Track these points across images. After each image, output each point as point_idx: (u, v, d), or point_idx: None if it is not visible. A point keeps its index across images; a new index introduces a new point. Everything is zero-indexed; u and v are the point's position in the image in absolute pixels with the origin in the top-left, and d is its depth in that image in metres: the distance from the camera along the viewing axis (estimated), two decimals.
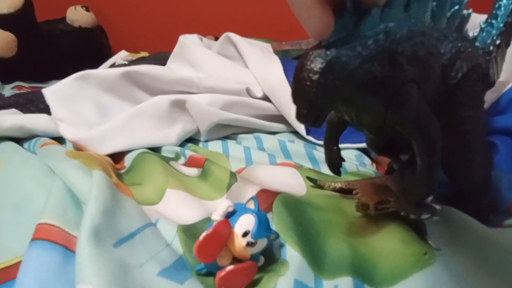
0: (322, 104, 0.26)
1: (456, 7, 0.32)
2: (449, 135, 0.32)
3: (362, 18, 0.26)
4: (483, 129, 0.34)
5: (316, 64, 0.25)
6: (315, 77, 0.25)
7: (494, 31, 0.38)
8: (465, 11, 0.33)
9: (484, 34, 0.38)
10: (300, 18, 0.23)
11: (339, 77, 0.26)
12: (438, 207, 0.34)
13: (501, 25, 0.38)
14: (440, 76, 0.32)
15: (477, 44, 0.37)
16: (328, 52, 0.25)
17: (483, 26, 0.38)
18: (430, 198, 0.35)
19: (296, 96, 0.27)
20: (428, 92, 0.31)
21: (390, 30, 0.27)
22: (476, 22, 0.38)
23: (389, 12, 0.27)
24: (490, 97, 0.55)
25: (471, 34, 0.37)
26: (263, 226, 0.30)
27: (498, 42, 0.38)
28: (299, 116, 0.27)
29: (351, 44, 0.26)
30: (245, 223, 0.30)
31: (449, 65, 0.32)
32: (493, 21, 0.38)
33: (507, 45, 0.40)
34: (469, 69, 0.32)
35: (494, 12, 0.38)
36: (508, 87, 0.52)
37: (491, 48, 0.38)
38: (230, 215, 0.31)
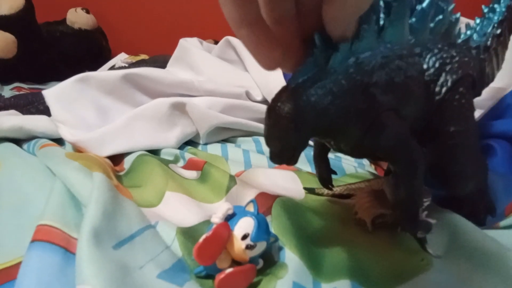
0: (295, 144, 0.27)
1: (440, 16, 0.31)
2: (438, 150, 0.33)
3: (332, 54, 0.25)
4: (474, 140, 0.33)
5: (285, 108, 0.25)
6: (285, 121, 0.25)
7: (496, 17, 0.37)
8: (452, 16, 0.32)
9: (484, 23, 0.38)
10: (250, 53, 0.23)
11: (310, 117, 0.26)
12: (433, 221, 0.34)
13: (504, 9, 0.37)
14: (424, 94, 0.31)
15: (471, 43, 0.36)
16: (297, 94, 0.25)
17: (485, 11, 0.37)
18: (425, 213, 0.35)
19: (269, 140, 0.27)
20: (410, 114, 0.31)
21: (362, 62, 0.27)
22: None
23: (359, 44, 0.26)
24: (488, 103, 0.56)
25: (465, 33, 0.36)
26: (262, 229, 0.31)
27: (498, 31, 0.37)
28: (273, 158, 0.28)
29: (321, 82, 0.26)
30: (245, 226, 0.30)
31: (433, 81, 0.31)
32: (496, 6, 0.38)
33: (511, 30, 0.39)
34: (454, 82, 0.32)
35: None
36: (506, 92, 0.52)
37: (489, 42, 0.37)
38: (229, 218, 0.31)
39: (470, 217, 0.36)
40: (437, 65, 0.31)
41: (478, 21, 0.39)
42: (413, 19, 0.29)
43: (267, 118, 0.27)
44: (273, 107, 0.26)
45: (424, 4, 0.29)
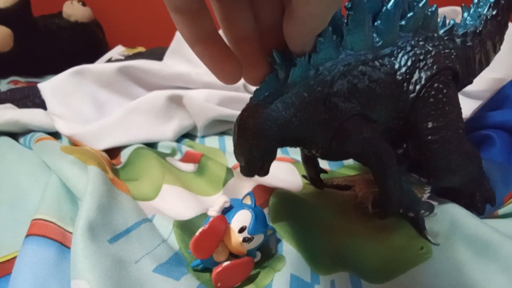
0: (261, 157, 0.28)
1: (411, 13, 0.30)
2: (419, 146, 0.33)
3: (291, 68, 0.26)
4: (456, 133, 0.33)
5: (248, 125, 0.26)
6: (249, 137, 0.26)
7: None
8: (428, 10, 0.32)
9: (480, 3, 0.37)
10: (207, 68, 0.23)
11: (273, 131, 0.27)
12: (435, 203, 0.34)
13: None
14: (396, 94, 0.31)
15: (458, 31, 0.35)
16: (258, 111, 0.26)
17: None
18: (427, 195, 0.35)
19: (236, 155, 0.28)
20: (380, 116, 0.31)
21: (321, 73, 0.27)
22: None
23: (317, 57, 0.27)
24: (487, 94, 0.56)
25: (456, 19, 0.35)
26: (259, 221, 0.30)
27: (495, 12, 0.37)
28: (243, 171, 0.29)
29: (282, 97, 0.26)
30: (242, 218, 0.30)
31: (406, 80, 0.31)
32: None
33: (509, 8, 0.38)
34: (428, 79, 0.31)
35: None
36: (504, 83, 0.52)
37: (481, 27, 0.36)
38: (226, 211, 0.31)
39: (468, 207, 0.36)
40: (409, 63, 0.31)
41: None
42: (379, 21, 0.29)
43: (233, 134, 0.28)
44: (237, 125, 0.27)
45: (389, 5, 0.29)
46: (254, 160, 0.27)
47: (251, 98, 0.27)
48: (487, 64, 0.39)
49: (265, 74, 0.26)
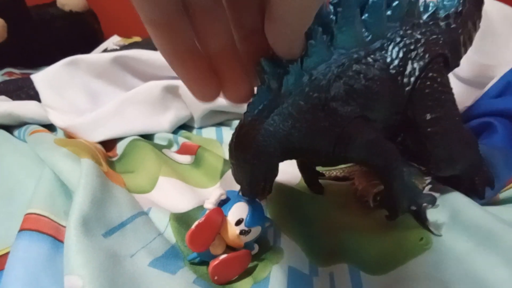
0: (263, 177, 0.26)
1: (396, 1, 0.29)
2: (419, 138, 0.32)
3: (283, 77, 0.24)
4: (454, 122, 0.32)
5: (246, 144, 0.25)
6: (248, 158, 0.25)
7: None
8: None
9: None
10: (183, 83, 0.21)
11: (273, 148, 0.25)
12: (437, 195, 0.34)
13: None
14: (391, 89, 0.30)
15: (440, 15, 0.33)
16: (255, 128, 0.24)
17: None
18: (429, 186, 0.34)
19: (236, 177, 0.27)
20: (380, 114, 0.30)
21: (316, 78, 0.25)
22: None
23: (309, 60, 0.25)
24: (477, 80, 0.55)
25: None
26: (257, 214, 0.30)
27: None
28: (244, 193, 0.28)
29: (278, 109, 0.25)
30: (239, 211, 0.30)
31: (399, 73, 0.30)
32: None
33: None
34: (422, 69, 0.30)
35: None
36: (503, 70, 0.51)
37: (460, 6, 0.34)
38: (223, 203, 0.30)
39: (468, 192, 0.35)
40: (401, 54, 0.30)
41: None
42: (366, 15, 0.27)
43: (230, 155, 0.26)
44: (233, 145, 0.26)
45: None
46: (256, 181, 0.26)
47: (245, 114, 0.25)
48: (470, 43, 0.37)
49: (249, 90, 0.23)
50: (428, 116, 0.31)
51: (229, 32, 0.21)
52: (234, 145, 0.26)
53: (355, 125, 0.28)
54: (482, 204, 0.34)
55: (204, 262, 0.30)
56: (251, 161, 0.25)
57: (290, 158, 0.29)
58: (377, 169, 0.30)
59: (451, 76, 0.34)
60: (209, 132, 0.59)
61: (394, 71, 0.30)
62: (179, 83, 0.60)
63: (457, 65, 0.36)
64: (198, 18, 0.19)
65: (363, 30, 0.28)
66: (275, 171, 0.28)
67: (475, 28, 0.37)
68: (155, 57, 0.64)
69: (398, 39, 0.30)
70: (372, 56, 0.28)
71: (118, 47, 1.01)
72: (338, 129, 0.27)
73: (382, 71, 0.29)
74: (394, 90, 0.30)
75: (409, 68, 0.30)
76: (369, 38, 0.28)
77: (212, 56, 0.21)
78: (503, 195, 0.38)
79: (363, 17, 0.27)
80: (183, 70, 0.20)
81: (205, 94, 0.21)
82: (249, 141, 0.25)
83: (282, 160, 0.28)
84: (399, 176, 0.30)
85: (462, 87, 0.56)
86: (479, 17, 0.37)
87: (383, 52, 0.29)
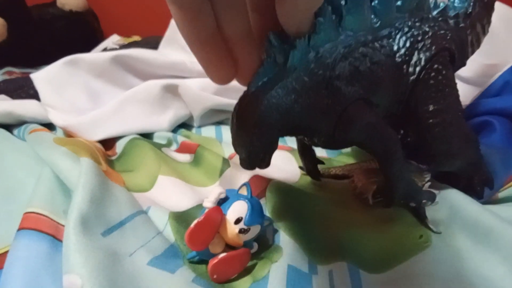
0: (263, 148, 0.26)
1: None
2: (420, 130, 0.32)
3: (290, 52, 0.24)
4: (456, 116, 0.32)
5: (248, 114, 0.25)
6: (249, 127, 0.25)
7: None
8: None
9: None
10: (202, 67, 0.23)
11: (274, 120, 0.25)
12: (436, 192, 0.34)
13: None
14: (396, 76, 0.30)
15: (449, 13, 0.34)
16: (258, 98, 0.24)
17: None
18: (428, 183, 0.34)
19: (236, 146, 0.27)
20: (382, 100, 0.30)
21: (322, 55, 0.26)
22: None
23: (317, 38, 0.25)
24: (480, 80, 0.56)
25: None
26: (256, 212, 0.30)
27: None
28: (243, 164, 0.27)
29: (282, 82, 0.25)
30: (238, 209, 0.30)
31: (405, 61, 0.30)
32: None
33: None
34: (428, 60, 0.30)
35: None
36: (503, 69, 0.51)
37: (470, 8, 0.35)
38: (222, 202, 0.30)
39: (467, 191, 0.35)
40: (408, 44, 0.30)
41: None
42: (376, 1, 0.28)
43: (231, 125, 0.26)
44: (235, 114, 0.26)
45: None
46: (256, 152, 0.26)
47: (248, 85, 0.25)
48: (478, 46, 0.38)
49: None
50: (431, 107, 0.31)
51: (246, 18, 0.21)
52: (237, 114, 0.26)
53: (357, 106, 0.28)
54: (481, 203, 0.34)
55: (203, 261, 0.30)
56: (251, 131, 0.25)
57: (290, 134, 0.29)
58: (375, 153, 0.30)
59: None
60: (209, 131, 0.59)
61: (399, 60, 0.30)
62: (178, 82, 0.60)
63: (463, 64, 0.36)
64: (218, 2, 0.20)
65: (372, 16, 0.28)
66: (274, 144, 0.28)
67: (484, 31, 0.38)
68: (154, 56, 0.64)
69: (406, 29, 0.30)
70: (379, 42, 0.29)
71: (117, 46, 1.01)
72: (340, 108, 0.27)
73: (387, 58, 0.29)
74: (398, 78, 0.30)
75: (415, 58, 0.30)
76: (378, 24, 0.29)
77: (230, 40, 0.21)
78: (502, 194, 0.38)
79: (372, 4, 0.28)
80: (203, 53, 0.21)
81: (221, 76, 0.23)
82: (251, 110, 0.25)
83: (282, 135, 0.28)
84: (397, 162, 0.30)
85: (462, 86, 0.56)
86: (488, 21, 0.38)
87: (390, 40, 0.30)
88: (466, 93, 0.53)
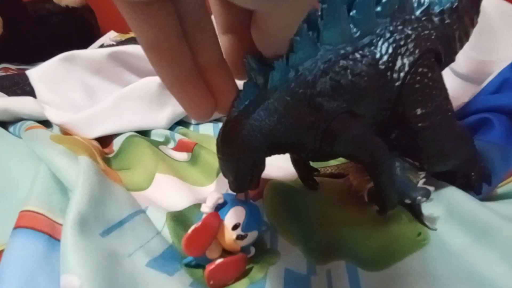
0: (249, 171, 0.27)
1: None
2: (410, 134, 0.32)
3: (269, 73, 0.24)
4: (446, 117, 0.32)
5: (232, 139, 0.25)
6: (234, 153, 0.25)
7: None
8: None
9: None
10: (183, 108, 0.22)
11: (259, 142, 0.25)
12: (431, 188, 0.33)
13: None
14: (380, 85, 0.30)
15: (434, 10, 0.33)
16: (241, 122, 0.25)
17: None
18: (423, 180, 0.34)
19: (223, 171, 0.27)
20: (367, 110, 0.30)
21: (302, 73, 0.26)
22: None
23: (295, 57, 0.25)
24: (474, 76, 0.55)
25: None
26: (254, 218, 0.30)
27: None
28: (231, 187, 0.28)
29: (264, 104, 0.25)
30: (236, 215, 0.29)
31: (389, 68, 0.30)
32: None
33: None
34: (412, 65, 0.30)
35: None
36: (502, 67, 0.51)
37: (457, 2, 0.33)
38: (220, 207, 0.30)
39: (465, 187, 0.35)
40: (390, 50, 0.29)
41: None
42: (354, 11, 0.27)
43: (217, 152, 0.26)
44: (219, 140, 0.26)
45: None
46: (242, 175, 0.27)
47: (230, 110, 0.25)
48: (467, 39, 0.37)
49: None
50: (419, 111, 0.31)
51: (219, 44, 0.21)
52: (221, 140, 0.26)
53: (341, 120, 0.28)
54: (480, 200, 0.34)
55: (200, 265, 0.30)
56: (236, 155, 0.25)
57: (277, 153, 0.29)
58: (364, 164, 0.31)
59: (448, 71, 0.34)
60: (206, 128, 0.59)
61: (383, 67, 0.29)
62: None
63: (452, 60, 0.36)
64: (191, 33, 0.20)
65: (351, 26, 0.28)
66: (261, 166, 0.28)
67: (472, 23, 0.37)
68: None
69: (388, 35, 0.29)
70: (360, 52, 0.28)
71: (114, 43, 1.00)
72: (324, 124, 0.27)
73: (370, 67, 0.29)
74: (383, 85, 0.30)
75: (398, 63, 0.30)
76: (358, 34, 0.28)
77: (207, 70, 0.21)
78: (500, 190, 0.38)
79: (351, 14, 0.27)
80: (184, 93, 0.21)
81: (203, 113, 0.22)
82: (235, 135, 0.25)
83: (268, 155, 0.28)
84: (386, 171, 0.30)
85: (460, 83, 0.56)
86: (476, 12, 0.37)
87: (372, 47, 0.29)
88: (464, 90, 0.53)
